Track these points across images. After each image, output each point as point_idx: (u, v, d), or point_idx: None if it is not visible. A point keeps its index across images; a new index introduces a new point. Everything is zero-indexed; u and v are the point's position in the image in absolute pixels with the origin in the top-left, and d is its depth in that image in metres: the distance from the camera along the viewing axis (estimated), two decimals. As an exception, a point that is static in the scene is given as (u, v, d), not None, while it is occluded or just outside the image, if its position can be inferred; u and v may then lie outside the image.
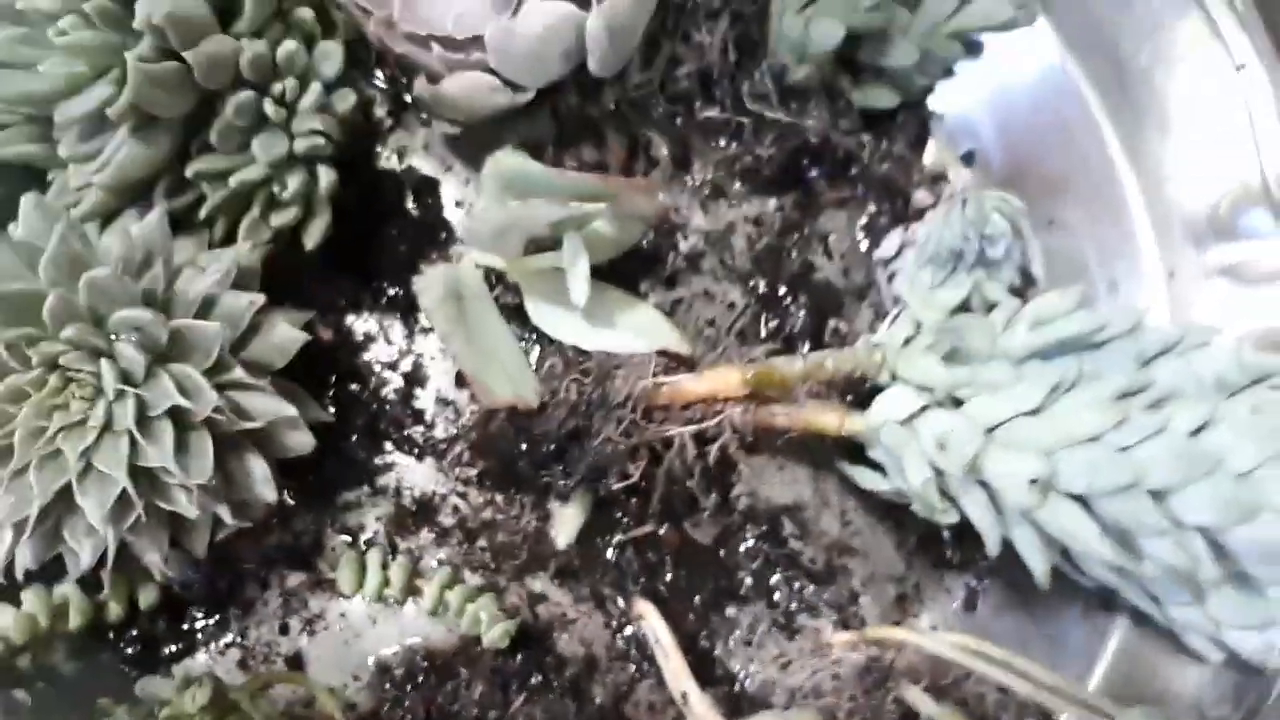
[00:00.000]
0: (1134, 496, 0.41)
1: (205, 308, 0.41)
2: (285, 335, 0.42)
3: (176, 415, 0.39)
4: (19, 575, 0.41)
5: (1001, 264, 0.50)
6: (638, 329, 0.50)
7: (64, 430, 0.38)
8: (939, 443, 0.44)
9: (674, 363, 0.49)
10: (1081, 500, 0.42)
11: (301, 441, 0.43)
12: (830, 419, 0.48)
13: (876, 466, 0.49)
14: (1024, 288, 0.52)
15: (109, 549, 0.39)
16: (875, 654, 0.48)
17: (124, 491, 0.38)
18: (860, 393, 0.50)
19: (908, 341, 0.48)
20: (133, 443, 0.38)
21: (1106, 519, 0.42)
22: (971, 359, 0.46)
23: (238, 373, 0.41)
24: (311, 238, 0.45)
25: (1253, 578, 0.44)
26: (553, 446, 0.47)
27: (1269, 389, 0.45)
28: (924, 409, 0.46)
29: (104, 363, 0.38)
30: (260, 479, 0.42)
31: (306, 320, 0.44)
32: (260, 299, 0.41)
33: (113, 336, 0.39)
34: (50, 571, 0.43)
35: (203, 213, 0.44)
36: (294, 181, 0.44)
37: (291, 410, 0.42)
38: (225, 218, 0.44)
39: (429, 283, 0.46)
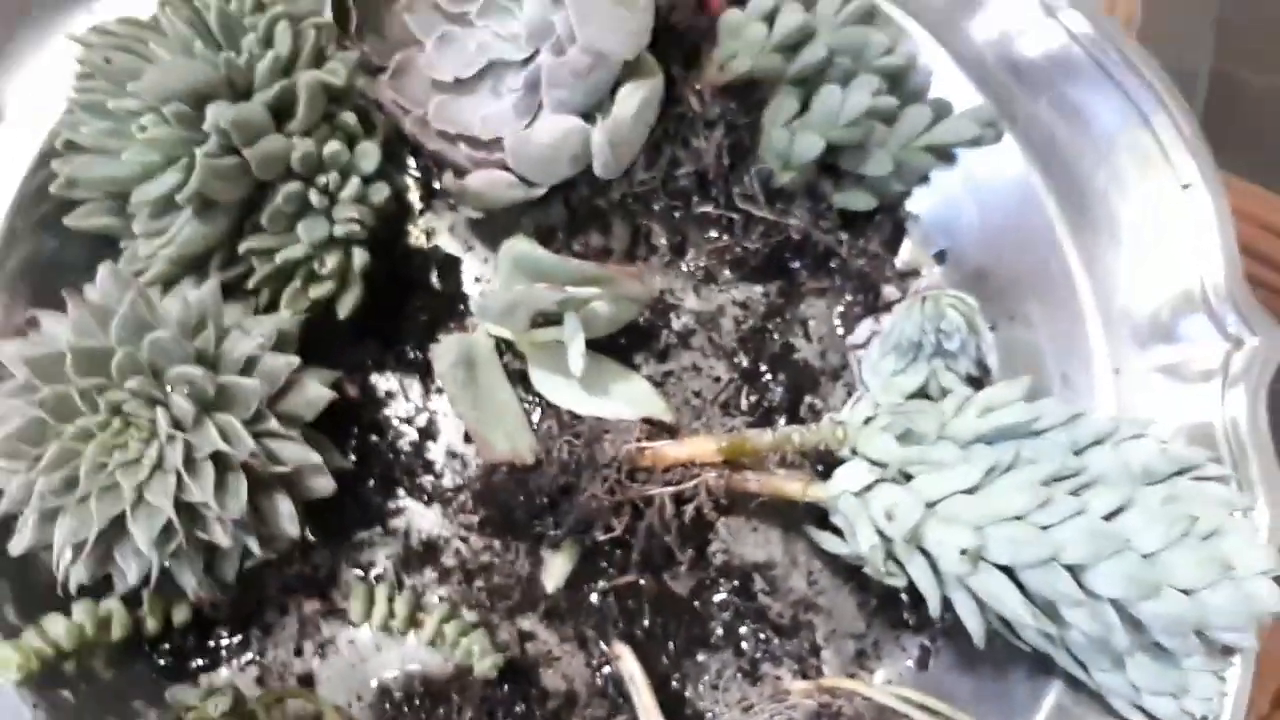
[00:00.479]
0: (1052, 570, 0.46)
1: (248, 366, 0.47)
2: (315, 393, 0.49)
3: (218, 458, 0.45)
4: (71, 589, 0.47)
5: (957, 355, 0.56)
6: (629, 398, 0.56)
7: (122, 467, 0.44)
8: (887, 513, 0.50)
9: (658, 429, 0.55)
10: (1008, 571, 0.47)
11: (324, 485, 0.49)
12: (795, 487, 0.54)
13: (839, 531, 0.55)
14: (980, 376, 0.57)
15: (152, 571, 0.45)
16: (828, 701, 0.53)
17: (169, 522, 0.44)
18: (828, 462, 0.56)
19: (868, 421, 0.53)
20: (179, 480, 0.44)
21: (1030, 589, 0.47)
22: (922, 440, 0.52)
23: (272, 424, 0.47)
24: (344, 308, 0.52)
25: (1166, 648, 0.49)
26: (545, 499, 0.53)
27: (1188, 480, 0.50)
28: (876, 482, 0.51)
29: (159, 410, 0.45)
30: (286, 516, 0.48)
31: (335, 379, 0.50)
32: (296, 361, 0.48)
33: (168, 389, 0.45)
34: (97, 588, 0.49)
35: (251, 283, 0.50)
36: (332, 260, 0.50)
37: (317, 458, 0.48)
38: (270, 288, 0.51)
39: (443, 350, 0.53)
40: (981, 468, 0.49)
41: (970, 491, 0.48)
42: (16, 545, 0.46)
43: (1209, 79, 0.92)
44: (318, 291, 0.51)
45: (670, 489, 0.54)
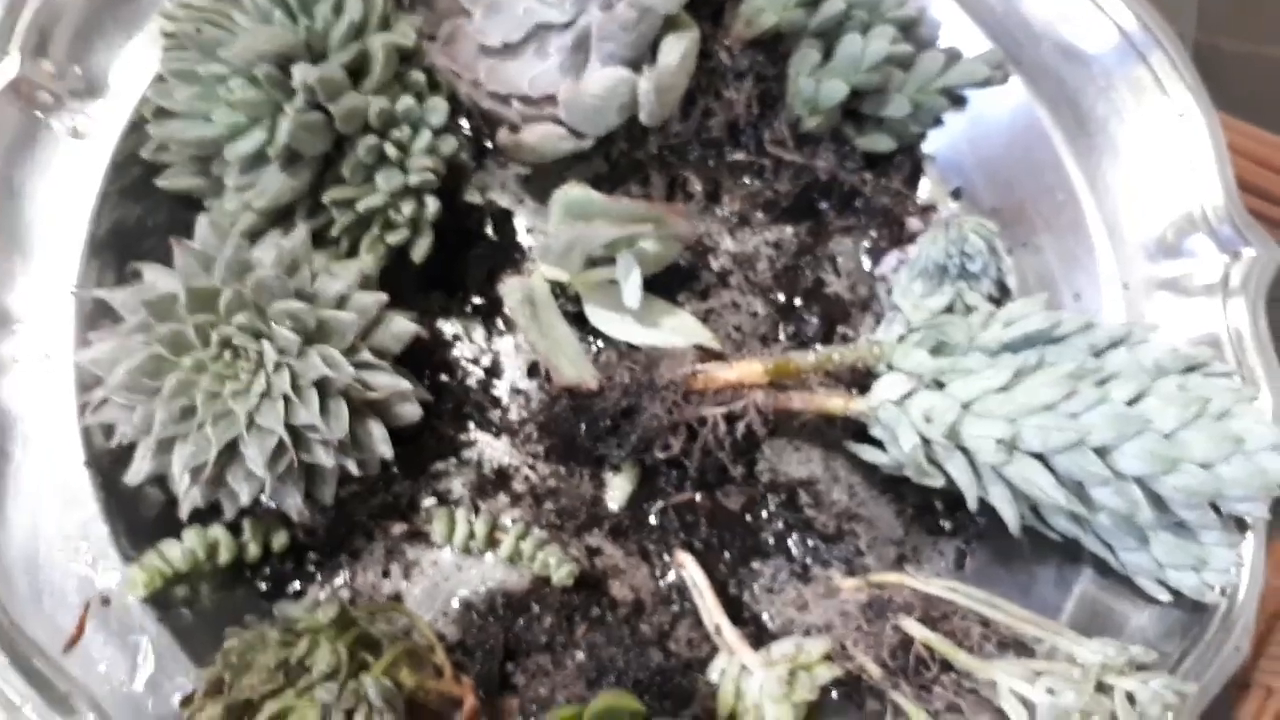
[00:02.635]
0: (1081, 453, 0.51)
1: (341, 303, 0.52)
2: (401, 327, 0.53)
3: (321, 385, 0.49)
4: (184, 515, 0.52)
5: (979, 277, 0.61)
6: (678, 329, 0.60)
7: (234, 395, 0.49)
8: (925, 416, 0.54)
9: (707, 356, 0.60)
10: (1040, 458, 0.52)
11: (411, 411, 0.54)
12: (837, 402, 0.58)
13: (877, 443, 0.59)
14: (1000, 297, 0.62)
15: (266, 489, 0.50)
16: (877, 594, 0.57)
17: (280, 442, 0.49)
18: (862, 383, 0.60)
19: (901, 339, 0.58)
20: (287, 405, 0.49)
21: (1061, 472, 0.52)
22: (953, 351, 0.56)
23: (365, 355, 0.51)
24: (419, 253, 0.56)
25: (1185, 522, 0.54)
26: (608, 422, 0.58)
27: (1198, 376, 0.55)
28: (913, 391, 0.56)
29: (265, 343, 0.49)
30: (380, 439, 0.52)
31: (417, 329, 0.55)
32: (384, 297, 0.52)
33: (272, 323, 0.50)
34: (203, 520, 0.54)
35: (334, 232, 0.55)
36: (407, 208, 0.55)
37: (407, 385, 0.52)
38: (350, 237, 0.55)
39: (510, 289, 0.57)
40: (1010, 370, 0.53)
41: (1001, 390, 0.53)
42: (134, 475, 0.51)
43: (1192, 48, 0.97)
44: (394, 238, 0.55)
45: (722, 409, 0.58)
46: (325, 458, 0.50)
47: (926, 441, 0.55)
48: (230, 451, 0.49)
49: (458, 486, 0.60)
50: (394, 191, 0.54)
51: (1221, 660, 0.56)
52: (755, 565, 0.61)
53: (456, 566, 0.59)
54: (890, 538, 0.63)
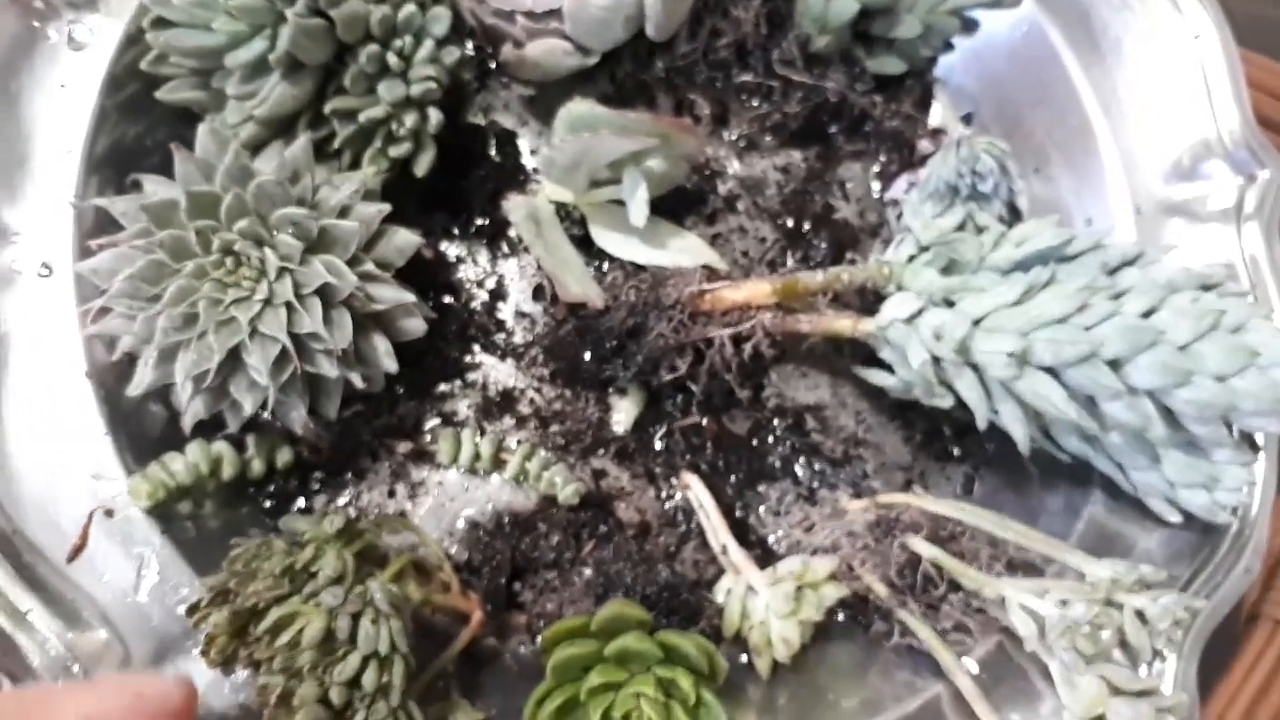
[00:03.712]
0: (1093, 366, 0.50)
1: (343, 213, 0.51)
2: (405, 239, 0.52)
3: (324, 294, 0.49)
4: (186, 429, 0.51)
5: (991, 198, 0.60)
6: (685, 250, 0.60)
7: (236, 302, 0.48)
8: (935, 334, 0.54)
9: (714, 278, 0.59)
10: (1052, 372, 0.51)
11: (415, 326, 0.53)
12: (845, 323, 0.58)
13: (885, 367, 0.59)
14: (1011, 220, 0.61)
15: (269, 400, 0.49)
16: (884, 514, 0.57)
17: (283, 350, 0.48)
18: (870, 308, 0.59)
19: (911, 259, 0.57)
20: (290, 312, 0.48)
21: (1073, 386, 0.51)
22: (963, 270, 0.56)
23: (369, 266, 0.51)
24: (421, 167, 0.55)
25: (1197, 440, 0.53)
26: (614, 342, 0.57)
27: (1212, 294, 0.54)
28: (923, 309, 0.55)
29: (268, 250, 0.48)
30: (384, 352, 0.52)
31: (420, 241, 0.54)
32: (387, 207, 0.52)
33: (274, 230, 0.49)
34: (207, 436, 0.53)
35: (336, 144, 0.54)
36: (409, 119, 0.54)
37: (410, 297, 0.52)
38: (352, 149, 0.55)
39: (514, 205, 0.57)
40: (1021, 286, 0.53)
41: (1013, 305, 0.52)
42: (137, 385, 0.50)
43: None
44: (397, 151, 0.55)
45: (729, 330, 0.57)
46: (329, 368, 0.49)
47: (936, 360, 0.54)
48: (233, 360, 0.49)
49: (463, 408, 0.60)
50: (396, 102, 0.53)
51: (1232, 581, 0.55)
52: (761, 488, 0.61)
53: (463, 487, 0.59)
54: (898, 463, 0.62)
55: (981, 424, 0.55)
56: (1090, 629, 0.49)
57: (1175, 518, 0.56)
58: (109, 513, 0.51)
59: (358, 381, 0.51)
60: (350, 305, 0.50)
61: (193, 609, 0.47)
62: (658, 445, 0.61)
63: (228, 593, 0.47)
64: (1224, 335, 0.50)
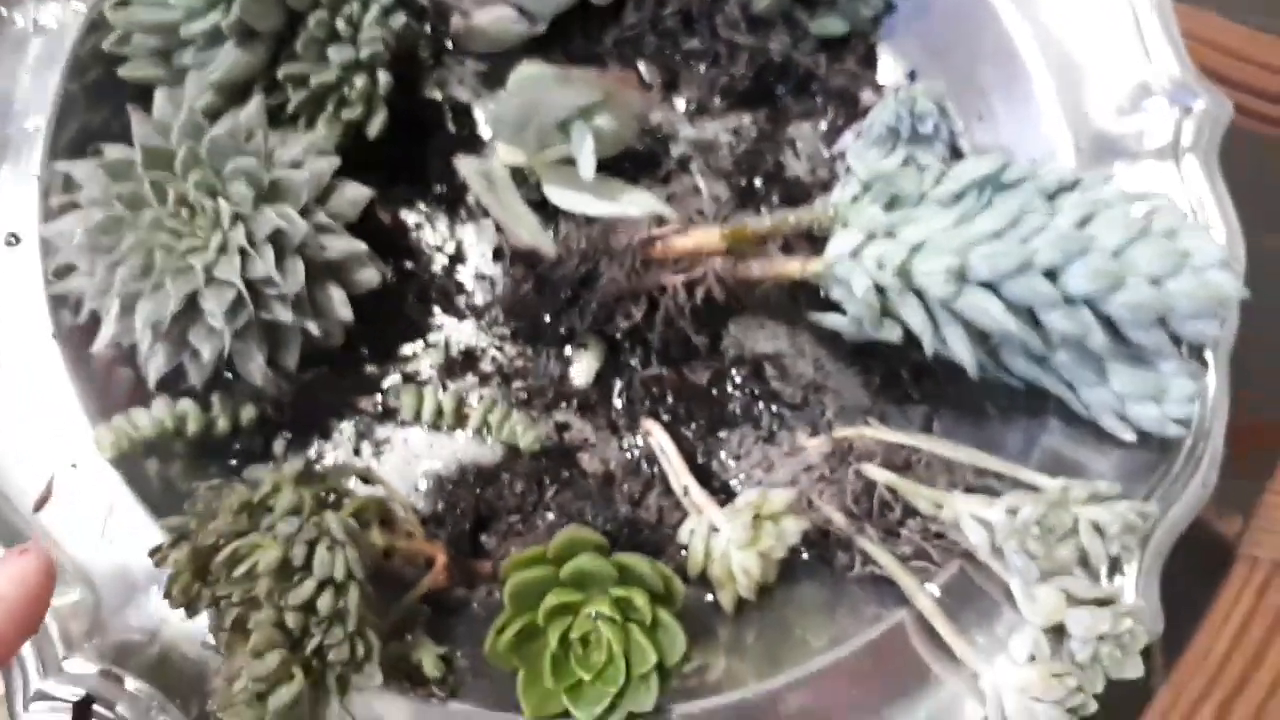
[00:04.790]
0: (1029, 276, 0.51)
1: (294, 167, 0.53)
2: (356, 192, 0.54)
3: (276, 241, 0.50)
4: (151, 385, 0.53)
5: (932, 139, 0.62)
6: (636, 203, 0.61)
7: (192, 251, 0.50)
8: (878, 263, 0.55)
9: (665, 228, 0.60)
10: (990, 286, 0.52)
11: (370, 276, 0.55)
12: (794, 265, 0.59)
13: (838, 309, 0.60)
14: (954, 162, 0.63)
15: (226, 346, 0.50)
16: (840, 445, 0.57)
17: (239, 295, 0.50)
18: (821, 252, 0.61)
19: (855, 199, 0.59)
20: (244, 258, 0.50)
21: (1012, 299, 0.52)
22: (905, 204, 0.57)
23: (321, 217, 0.53)
24: (373, 129, 0.57)
25: (1143, 353, 0.54)
26: (569, 292, 0.58)
27: (1144, 205, 0.55)
28: (866, 242, 0.56)
29: (221, 200, 0.50)
30: (339, 302, 0.53)
31: (371, 193, 0.56)
32: (337, 161, 0.54)
33: (227, 182, 0.51)
34: (173, 395, 0.55)
35: (290, 109, 0.56)
36: (359, 82, 0.56)
37: (363, 247, 0.53)
38: (306, 114, 0.57)
39: (466, 162, 0.58)
40: (959, 211, 0.54)
41: (951, 228, 0.54)
42: (100, 341, 0.52)
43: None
44: (349, 114, 0.57)
45: (681, 276, 0.59)
46: (284, 314, 0.51)
47: (880, 290, 0.55)
48: (190, 309, 0.50)
49: (425, 368, 0.61)
50: (346, 65, 0.55)
51: (1190, 494, 0.56)
52: (722, 435, 0.62)
53: (427, 444, 0.60)
54: (858, 407, 0.63)
55: (929, 350, 0.56)
56: (1040, 531, 0.49)
57: (1129, 436, 0.56)
58: (74, 465, 0.52)
59: (314, 329, 0.52)
60: (303, 254, 0.51)
61: (155, 550, 0.48)
62: (619, 397, 0.62)
63: (188, 533, 0.48)
64: (1156, 239, 0.51)
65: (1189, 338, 0.53)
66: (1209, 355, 0.57)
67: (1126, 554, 0.52)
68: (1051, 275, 0.51)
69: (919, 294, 0.54)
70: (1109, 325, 0.52)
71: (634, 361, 0.62)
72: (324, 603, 0.46)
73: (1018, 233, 0.52)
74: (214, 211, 0.50)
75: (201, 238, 0.50)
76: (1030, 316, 0.53)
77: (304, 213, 0.52)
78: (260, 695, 0.44)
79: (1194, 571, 0.71)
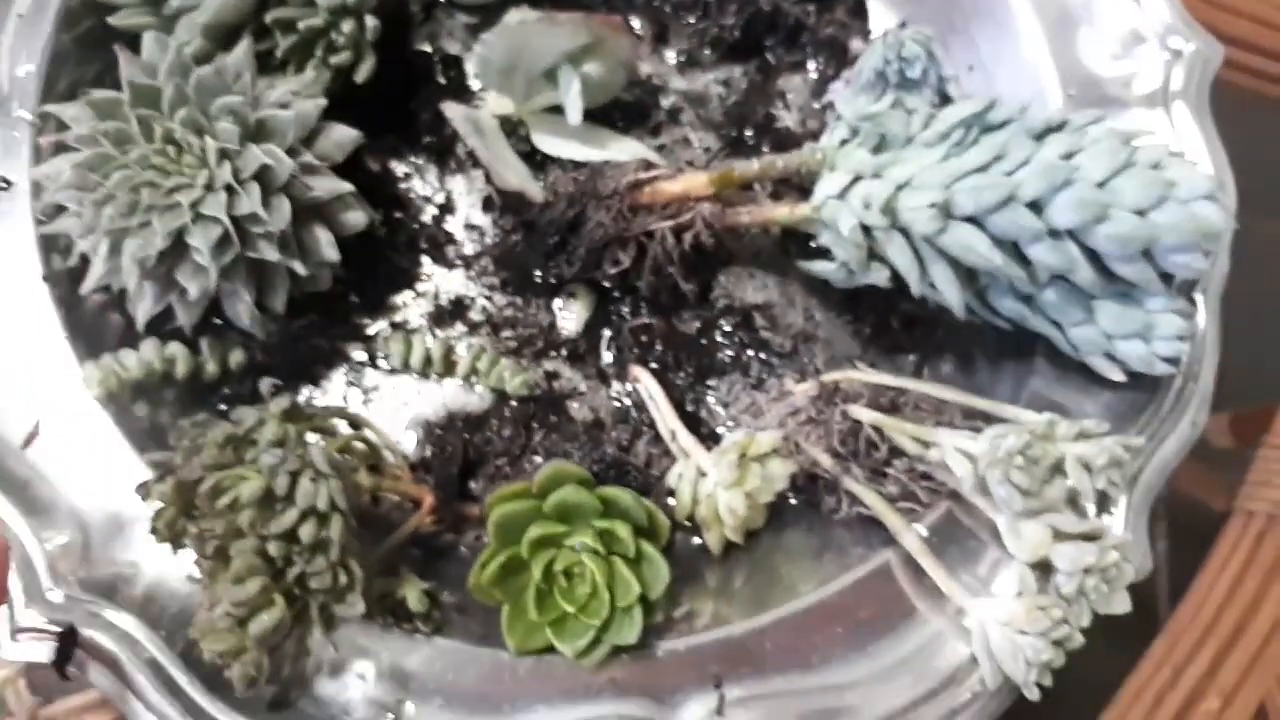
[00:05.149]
0: (1013, 209, 0.51)
1: (281, 108, 0.53)
2: (343, 134, 0.55)
3: (262, 179, 0.51)
4: (139, 326, 0.53)
5: (920, 84, 0.61)
6: (624, 150, 0.61)
7: (179, 188, 0.50)
8: (865, 203, 0.55)
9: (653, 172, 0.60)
10: (975, 221, 0.52)
11: (357, 218, 0.55)
12: (782, 211, 0.59)
13: (827, 257, 0.60)
14: (943, 106, 0.63)
15: (212, 286, 0.51)
16: (826, 387, 0.57)
17: (225, 232, 0.50)
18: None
19: (843, 143, 0.59)
20: (230, 196, 0.50)
21: (996, 233, 0.52)
22: (892, 146, 0.57)
23: (307, 157, 0.53)
24: (361, 74, 0.58)
25: (1131, 292, 0.54)
26: (556, 237, 0.59)
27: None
28: (853, 183, 0.56)
29: (207, 138, 0.51)
30: (326, 243, 0.53)
31: (360, 140, 0.56)
32: (324, 102, 0.54)
33: (214, 120, 0.51)
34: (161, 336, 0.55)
35: (278, 54, 0.56)
36: (347, 27, 0.56)
37: (349, 187, 0.54)
38: (295, 60, 0.57)
39: (454, 108, 0.59)
40: (945, 149, 0.54)
41: (936, 165, 0.53)
42: (89, 282, 0.52)
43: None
44: (337, 59, 0.57)
45: (669, 222, 0.59)
46: (270, 252, 0.51)
47: (867, 230, 0.55)
48: (177, 246, 0.51)
49: (415, 317, 0.61)
50: (333, 9, 0.56)
51: (1179, 433, 0.56)
52: (712, 383, 0.62)
53: (416, 392, 0.60)
54: (847, 355, 0.63)
55: (916, 291, 0.56)
56: (1025, 461, 0.49)
57: (1118, 375, 0.56)
58: (62, 405, 0.52)
59: (300, 269, 0.53)
60: (290, 193, 0.52)
61: (142, 486, 0.49)
62: (608, 346, 0.62)
63: (173, 468, 0.48)
64: (1141, 170, 0.51)
65: (1175, 272, 0.52)
66: (1199, 296, 0.57)
67: (1114, 489, 0.51)
68: (1036, 207, 0.51)
69: (904, 232, 0.54)
70: (1095, 259, 0.52)
71: (623, 310, 0.62)
72: (306, 532, 0.46)
73: (1002, 167, 0.52)
74: (200, 149, 0.50)
75: (188, 175, 0.50)
76: (1016, 252, 0.53)
77: (291, 153, 0.52)
78: (241, 621, 0.45)
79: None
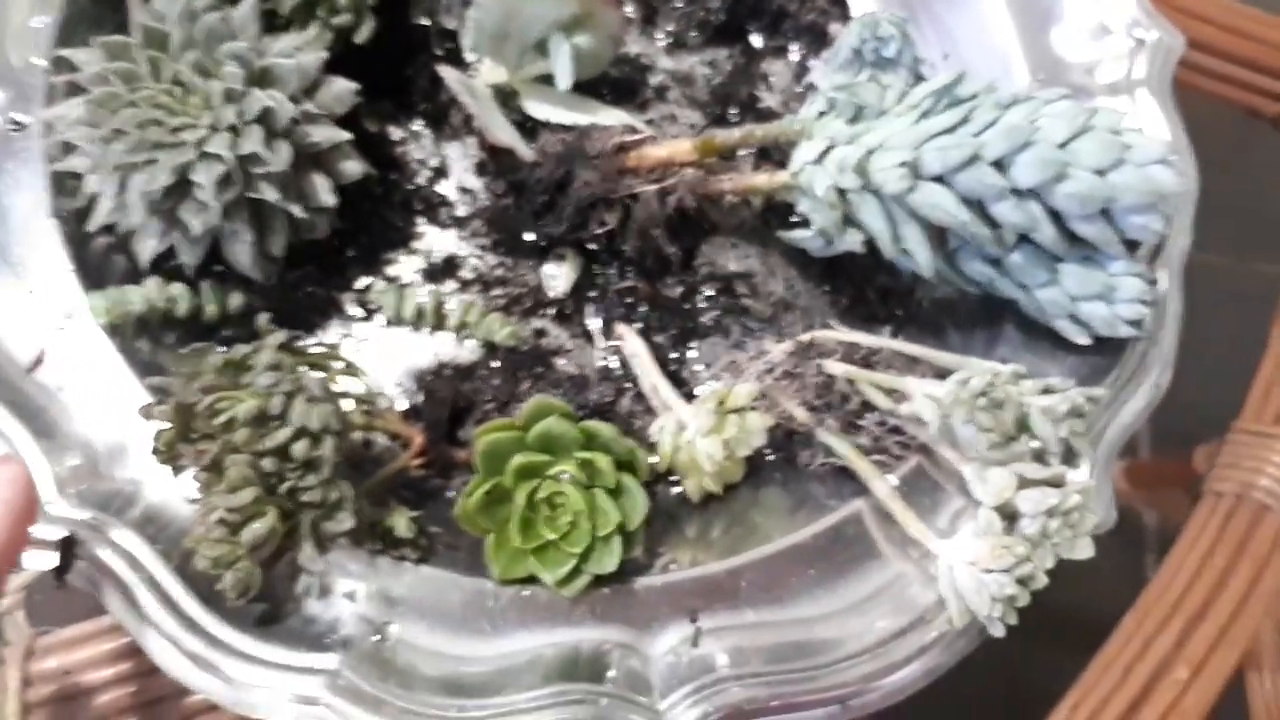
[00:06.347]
0: (978, 168, 0.53)
1: (285, 59, 0.56)
2: (342, 87, 0.57)
3: (265, 121, 0.53)
4: (143, 265, 0.55)
5: (895, 63, 0.64)
6: (611, 118, 0.64)
7: (185, 128, 0.52)
8: (839, 166, 0.57)
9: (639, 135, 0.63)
10: (942, 180, 0.55)
11: (355, 168, 0.57)
12: (762, 178, 0.62)
13: (805, 225, 0.62)
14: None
15: (214, 223, 0.53)
16: (802, 344, 0.60)
17: (228, 171, 0.52)
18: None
19: (820, 115, 0.62)
20: (234, 136, 0.52)
21: (963, 191, 0.54)
22: (867, 117, 0.60)
23: (308, 106, 0.55)
24: (361, 35, 0.60)
25: (1094, 256, 0.56)
26: (545, 197, 0.61)
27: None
28: (829, 149, 0.59)
29: (213, 81, 0.53)
30: (324, 189, 0.56)
31: (357, 87, 0.58)
32: (325, 54, 0.56)
33: (220, 64, 0.53)
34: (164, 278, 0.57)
35: (282, 12, 0.59)
36: (349, -10, 0.59)
37: (348, 136, 0.56)
38: (298, 21, 0.60)
39: (448, 71, 0.61)
40: (915, 115, 0.57)
41: (906, 130, 0.56)
42: (97, 218, 0.54)
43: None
44: (339, 20, 0.59)
45: (654, 186, 0.61)
46: (271, 193, 0.53)
47: (842, 194, 0.58)
48: (182, 184, 0.53)
49: (408, 273, 0.63)
50: (336, -28, 0.58)
51: (1141, 394, 0.58)
52: (692, 344, 0.64)
53: (408, 345, 0.62)
54: (825, 323, 0.65)
55: (888, 253, 0.58)
56: (988, 403, 0.51)
57: (1083, 339, 0.58)
58: (67, 330, 0.54)
59: (299, 213, 0.55)
60: (290, 139, 0.54)
61: (144, 409, 0.50)
62: (594, 307, 0.64)
63: (172, 392, 0.50)
64: (1099, 134, 0.53)
65: (1134, 234, 0.55)
66: (1161, 266, 0.60)
67: (1077, 440, 0.54)
68: (1000, 167, 0.54)
69: (876, 194, 0.57)
70: (1057, 220, 0.55)
71: (609, 274, 0.64)
72: (299, 449, 0.47)
73: (968, 129, 0.55)
74: (206, 91, 0.53)
75: (194, 115, 0.53)
76: (982, 211, 0.55)
77: (292, 102, 0.55)
78: (234, 529, 0.46)
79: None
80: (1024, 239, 0.56)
